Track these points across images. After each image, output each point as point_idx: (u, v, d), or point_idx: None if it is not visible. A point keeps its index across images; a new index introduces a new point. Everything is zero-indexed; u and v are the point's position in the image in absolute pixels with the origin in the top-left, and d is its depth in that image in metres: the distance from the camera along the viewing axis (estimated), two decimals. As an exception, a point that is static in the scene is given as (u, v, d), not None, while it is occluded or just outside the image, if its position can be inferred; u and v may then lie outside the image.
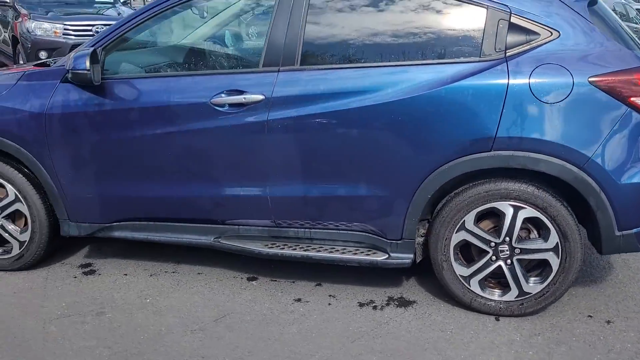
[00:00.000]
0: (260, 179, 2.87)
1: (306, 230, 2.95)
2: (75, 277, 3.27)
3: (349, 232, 2.92)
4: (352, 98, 2.68)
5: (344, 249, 2.92)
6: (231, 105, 2.80)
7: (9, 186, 3.17)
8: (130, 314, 2.88)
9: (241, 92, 2.78)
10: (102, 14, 9.63)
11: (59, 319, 2.84)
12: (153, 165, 2.98)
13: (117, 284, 3.18)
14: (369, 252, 2.89)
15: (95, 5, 10.32)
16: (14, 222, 3.28)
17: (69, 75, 2.85)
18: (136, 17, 2.97)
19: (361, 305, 2.95)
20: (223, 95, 2.80)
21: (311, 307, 2.94)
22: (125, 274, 3.29)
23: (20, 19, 8.96)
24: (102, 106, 2.95)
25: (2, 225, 3.25)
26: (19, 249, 3.26)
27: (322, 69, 2.76)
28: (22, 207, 3.19)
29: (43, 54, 8.77)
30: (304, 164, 2.81)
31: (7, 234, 3.26)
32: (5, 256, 3.30)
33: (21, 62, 9.14)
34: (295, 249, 2.95)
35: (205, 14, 3.36)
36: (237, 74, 2.85)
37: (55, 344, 2.64)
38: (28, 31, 8.82)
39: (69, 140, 3.02)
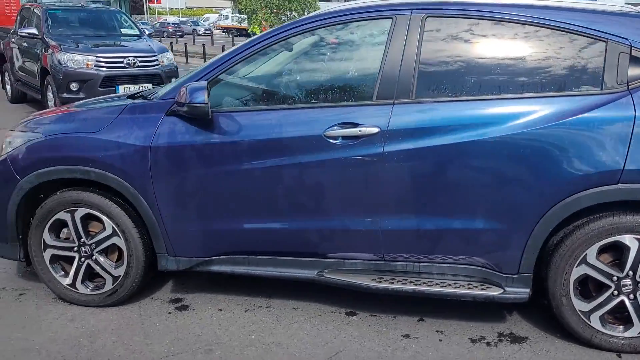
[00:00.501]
0: (372, 211, 2.84)
1: (414, 264, 2.91)
2: (170, 313, 3.19)
3: (460, 265, 2.87)
4: (472, 131, 2.66)
5: (455, 283, 2.87)
6: (345, 137, 2.78)
7: (107, 220, 3.11)
8: (240, 352, 2.81)
9: (355, 125, 2.76)
10: (132, 46, 9.68)
11: (168, 357, 2.76)
12: (260, 198, 2.95)
13: (216, 320, 3.11)
14: (483, 287, 2.84)
15: (122, 37, 10.39)
16: (106, 256, 3.22)
17: (183, 109, 2.82)
18: (243, 51, 2.97)
19: (473, 341, 2.89)
20: (336, 128, 2.78)
21: (423, 343, 2.87)
22: (220, 309, 3.22)
23: (50, 51, 8.98)
24: (210, 139, 2.93)
25: (96, 259, 3.19)
26: (112, 284, 3.19)
27: (438, 101, 2.75)
28: (119, 241, 3.13)
29: (74, 86, 8.80)
30: (419, 197, 2.78)
31: (100, 269, 3.19)
32: (97, 292, 3.23)
33: (49, 94, 9.15)
34: (406, 283, 2.90)
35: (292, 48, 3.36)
36: (350, 107, 2.83)
37: (173, 383, 2.55)
38: (60, 63, 8.84)
39: (174, 173, 2.98)
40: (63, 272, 3.27)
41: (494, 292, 2.80)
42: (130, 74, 9.12)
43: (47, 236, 3.20)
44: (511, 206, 2.70)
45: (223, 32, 45.99)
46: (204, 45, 22.23)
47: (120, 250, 3.19)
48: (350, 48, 3.10)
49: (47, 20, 9.65)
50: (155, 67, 9.41)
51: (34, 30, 9.43)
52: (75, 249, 3.20)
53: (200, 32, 44.19)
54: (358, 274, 2.98)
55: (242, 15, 44.77)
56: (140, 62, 9.24)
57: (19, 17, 10.77)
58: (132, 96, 3.42)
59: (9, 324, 3.08)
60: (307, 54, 3.09)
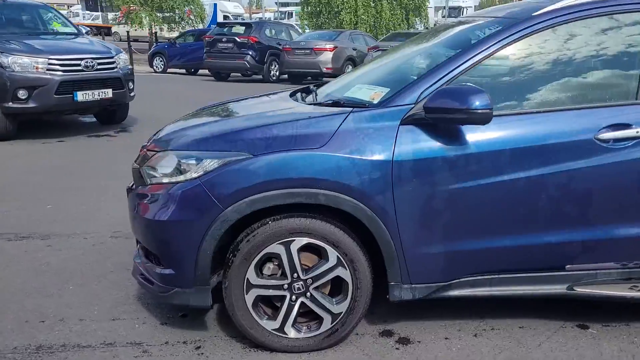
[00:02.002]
0: (641, 216, 2.69)
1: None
2: (398, 349, 2.82)
3: None
4: None
5: None
6: (616, 140, 2.61)
7: (331, 250, 2.65)
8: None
9: (628, 126, 2.61)
10: (84, 46, 8.60)
11: (458, 401, 2.41)
12: (516, 212, 2.68)
13: (456, 350, 2.79)
14: None
15: (59, 36, 9.20)
16: (318, 291, 2.75)
17: (457, 115, 2.47)
18: (485, 49, 2.67)
19: None
20: (608, 130, 2.60)
21: (683, 349, 2.79)
22: (446, 338, 2.90)
23: (-16, 54, 7.70)
24: (464, 149, 2.61)
25: (311, 296, 2.71)
26: (331, 323, 2.74)
27: None
28: (344, 272, 2.69)
29: (22, 93, 7.67)
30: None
31: (317, 307, 2.72)
32: (312, 334, 2.76)
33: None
34: (664, 289, 2.79)
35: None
36: (620, 107, 2.66)
37: None
38: (1, 67, 7.63)
39: (420, 190, 2.62)
40: (267, 316, 2.75)
41: None
42: (88, 79, 8.11)
43: (251, 274, 2.67)
44: None
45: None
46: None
47: (334, 283, 2.74)
48: (612, 43, 2.85)
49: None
50: (114, 69, 8.46)
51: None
52: (286, 286, 2.70)
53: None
54: (608, 284, 2.81)
55: (94, 13, 41.79)
56: (99, 64, 8.24)
57: None
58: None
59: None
60: (567, 51, 2.81)
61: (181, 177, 2.68)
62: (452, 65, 2.69)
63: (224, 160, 2.61)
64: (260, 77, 17.42)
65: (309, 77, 17.50)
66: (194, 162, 2.67)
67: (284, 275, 2.69)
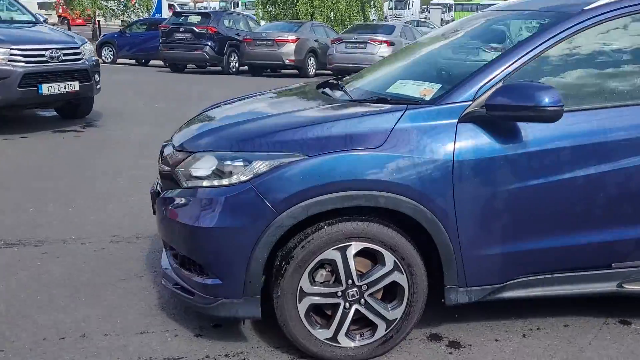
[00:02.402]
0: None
1: None
2: (451, 354, 2.73)
3: None
4: None
5: None
6: (672, 137, 2.60)
7: (388, 254, 2.53)
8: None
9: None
10: (48, 36, 8.09)
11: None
12: (574, 210, 2.63)
13: (510, 352, 2.73)
14: None
15: (15, 25, 8.65)
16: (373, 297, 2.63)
17: (530, 113, 2.38)
18: (545, 41, 2.60)
19: None
20: (660, 126, 2.59)
21: None
22: (496, 340, 2.84)
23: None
24: (524, 147, 2.53)
25: (366, 303, 2.59)
26: (385, 330, 2.63)
27: None
28: (401, 277, 2.58)
29: (-19, 86, 7.12)
30: None
31: (372, 314, 2.60)
32: (365, 342, 2.63)
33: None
34: None
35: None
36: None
37: None
38: (-45, 57, 7.09)
39: (481, 190, 2.53)
40: (319, 325, 2.60)
41: None
42: (54, 70, 7.64)
43: (305, 282, 2.51)
44: None
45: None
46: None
47: (386, 289, 2.63)
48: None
49: None
50: (81, 60, 8.01)
51: None
52: (340, 293, 2.56)
53: None
54: (655, 279, 2.82)
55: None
56: (64, 55, 7.78)
57: None
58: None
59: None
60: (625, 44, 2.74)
61: (225, 181, 2.49)
62: (508, 61, 2.59)
63: (277, 161, 2.44)
64: (219, 68, 17.01)
65: (269, 70, 17.25)
66: (240, 164, 2.48)
67: (337, 282, 2.55)
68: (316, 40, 16.90)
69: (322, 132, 2.50)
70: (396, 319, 2.62)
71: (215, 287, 2.53)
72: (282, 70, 17.32)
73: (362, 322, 2.65)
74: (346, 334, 2.60)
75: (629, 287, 2.78)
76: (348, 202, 2.44)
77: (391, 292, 2.64)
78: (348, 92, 3.16)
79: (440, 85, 2.72)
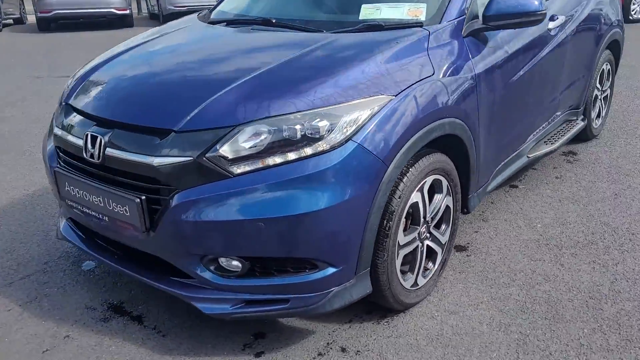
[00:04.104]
0: None
1: None
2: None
3: None
4: None
5: None
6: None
7: (444, 181, 2.52)
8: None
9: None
10: None
11: None
12: (530, 98, 3.10)
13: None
14: None
15: None
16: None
17: (526, 19, 2.58)
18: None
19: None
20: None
21: None
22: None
23: None
24: (505, 52, 2.83)
25: (431, 235, 2.55)
26: (441, 255, 2.65)
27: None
28: (449, 200, 2.61)
29: None
30: None
31: (434, 244, 2.58)
32: (431, 274, 2.60)
33: None
34: None
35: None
36: None
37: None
38: None
39: (489, 100, 2.72)
40: (403, 275, 2.44)
41: None
42: None
43: (400, 236, 2.31)
44: None
45: None
46: None
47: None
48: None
49: None
50: None
51: None
52: (417, 236, 2.45)
53: None
54: None
55: None
56: None
57: None
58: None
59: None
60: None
61: (315, 147, 1.98)
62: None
63: (368, 110, 2.07)
64: None
65: None
66: (326, 123, 2.00)
67: (414, 224, 2.41)
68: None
69: (384, 68, 2.22)
70: (446, 241, 2.65)
71: (328, 278, 2.07)
72: None
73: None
74: (422, 274, 2.52)
75: (532, 154, 3.45)
76: (427, 136, 2.29)
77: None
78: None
79: (425, 4, 2.67)
